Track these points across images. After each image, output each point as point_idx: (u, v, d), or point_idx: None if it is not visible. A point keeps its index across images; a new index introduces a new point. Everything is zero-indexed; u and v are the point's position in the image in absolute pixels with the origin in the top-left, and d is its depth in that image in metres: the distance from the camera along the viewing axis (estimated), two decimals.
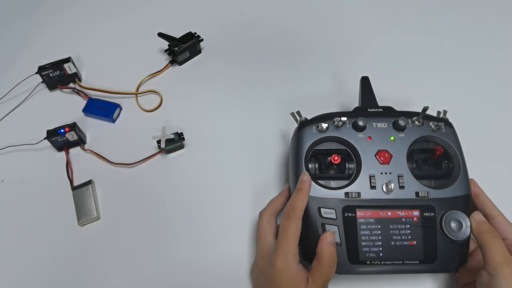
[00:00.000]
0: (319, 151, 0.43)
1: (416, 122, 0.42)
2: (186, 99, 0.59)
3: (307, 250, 0.39)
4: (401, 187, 0.39)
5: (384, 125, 0.42)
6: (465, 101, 0.56)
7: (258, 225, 0.42)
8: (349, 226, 0.38)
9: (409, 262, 0.38)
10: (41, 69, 0.59)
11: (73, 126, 0.54)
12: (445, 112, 0.44)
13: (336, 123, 0.42)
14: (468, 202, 0.39)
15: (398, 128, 0.41)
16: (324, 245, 0.36)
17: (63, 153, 0.55)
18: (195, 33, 0.63)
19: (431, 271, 0.38)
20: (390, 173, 0.40)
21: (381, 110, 0.44)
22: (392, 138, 0.41)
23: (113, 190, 0.52)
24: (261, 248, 0.40)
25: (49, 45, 0.68)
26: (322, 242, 0.37)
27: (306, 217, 0.39)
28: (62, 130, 0.53)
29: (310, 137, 0.42)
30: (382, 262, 0.38)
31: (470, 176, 0.41)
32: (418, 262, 0.38)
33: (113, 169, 0.54)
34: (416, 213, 0.39)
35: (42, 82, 0.61)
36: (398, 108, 0.45)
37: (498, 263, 0.33)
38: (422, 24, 0.66)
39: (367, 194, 0.39)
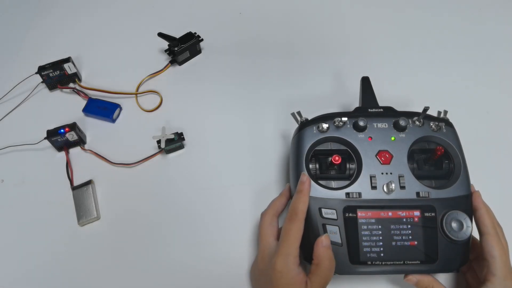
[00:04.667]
0: (319, 152, 0.43)
1: (417, 122, 0.42)
2: (186, 99, 0.59)
3: (308, 251, 0.38)
4: (402, 187, 0.39)
5: (385, 125, 0.42)
6: (465, 101, 0.56)
7: (260, 226, 0.42)
8: (350, 226, 0.38)
9: (410, 262, 0.38)
10: (41, 69, 0.59)
11: (73, 126, 0.54)
12: (445, 112, 0.44)
13: (336, 123, 0.42)
14: (469, 202, 0.39)
15: (399, 128, 0.41)
16: (320, 249, 0.36)
17: (63, 153, 0.55)
18: (195, 33, 0.63)
19: (432, 271, 0.38)
20: (390, 173, 0.40)
21: (381, 110, 0.44)
22: (392, 138, 0.41)
23: (113, 190, 0.52)
24: (262, 250, 0.40)
25: (49, 45, 0.68)
26: (318, 246, 0.37)
27: (307, 218, 0.38)
28: (62, 130, 0.53)
29: (311, 138, 0.42)
30: (383, 263, 0.38)
31: (471, 176, 0.41)
32: (419, 262, 0.38)
33: (113, 169, 0.54)
34: (417, 213, 0.39)
35: (42, 82, 0.61)
36: (399, 108, 0.45)
37: None
38: (423, 24, 0.66)
39: (368, 194, 0.39)
